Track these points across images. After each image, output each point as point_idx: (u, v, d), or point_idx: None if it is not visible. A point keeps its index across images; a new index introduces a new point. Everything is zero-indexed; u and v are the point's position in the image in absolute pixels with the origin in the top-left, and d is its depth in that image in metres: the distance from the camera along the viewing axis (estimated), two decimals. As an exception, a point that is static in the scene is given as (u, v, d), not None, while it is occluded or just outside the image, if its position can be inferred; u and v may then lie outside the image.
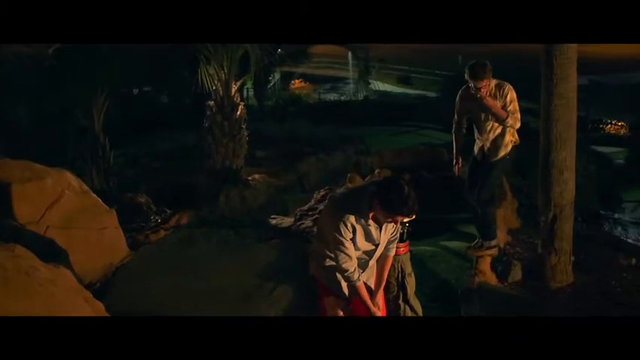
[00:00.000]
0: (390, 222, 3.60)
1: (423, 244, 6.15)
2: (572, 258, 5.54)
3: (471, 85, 5.40)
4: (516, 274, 5.62)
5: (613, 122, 14.91)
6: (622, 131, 14.56)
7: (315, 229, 6.45)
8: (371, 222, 3.57)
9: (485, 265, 5.72)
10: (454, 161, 6.04)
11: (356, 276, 3.63)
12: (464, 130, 5.95)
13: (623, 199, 9.38)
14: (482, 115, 5.61)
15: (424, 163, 9.02)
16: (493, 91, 5.47)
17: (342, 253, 3.54)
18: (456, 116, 5.92)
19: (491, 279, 5.60)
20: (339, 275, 3.73)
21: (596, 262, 5.88)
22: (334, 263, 3.66)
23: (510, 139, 5.66)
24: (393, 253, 3.94)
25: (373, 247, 3.72)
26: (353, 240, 3.57)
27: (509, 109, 5.44)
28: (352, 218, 3.49)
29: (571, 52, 5.04)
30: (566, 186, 5.33)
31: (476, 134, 5.85)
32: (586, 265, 5.76)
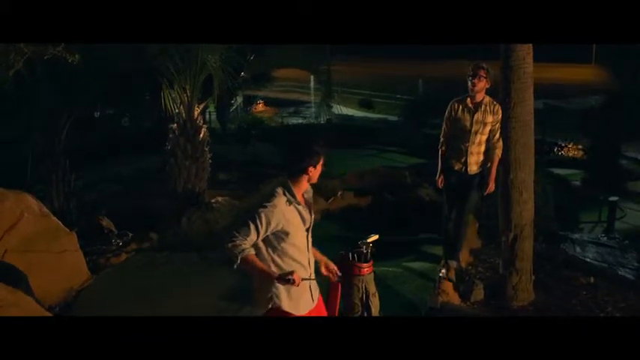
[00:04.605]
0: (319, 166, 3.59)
1: (386, 264, 6.19)
2: (533, 277, 5.65)
3: (471, 80, 5.67)
4: (478, 293, 5.71)
5: (568, 145, 15.30)
6: (577, 153, 14.94)
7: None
8: (302, 202, 3.55)
9: (448, 285, 5.80)
10: (438, 175, 6.15)
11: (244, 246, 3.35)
12: (450, 144, 6.04)
13: (580, 220, 9.61)
14: (472, 131, 5.79)
15: (386, 185, 9.14)
16: (488, 106, 5.76)
17: (248, 229, 3.33)
18: (444, 130, 6.06)
19: (454, 299, 5.67)
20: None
21: (557, 282, 6.01)
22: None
23: (483, 159, 5.93)
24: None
25: (306, 234, 3.60)
26: (282, 235, 3.43)
27: (496, 126, 5.73)
28: (282, 204, 3.40)
29: (527, 77, 5.21)
30: (525, 206, 5.46)
31: (453, 151, 5.98)
32: (547, 285, 5.89)
